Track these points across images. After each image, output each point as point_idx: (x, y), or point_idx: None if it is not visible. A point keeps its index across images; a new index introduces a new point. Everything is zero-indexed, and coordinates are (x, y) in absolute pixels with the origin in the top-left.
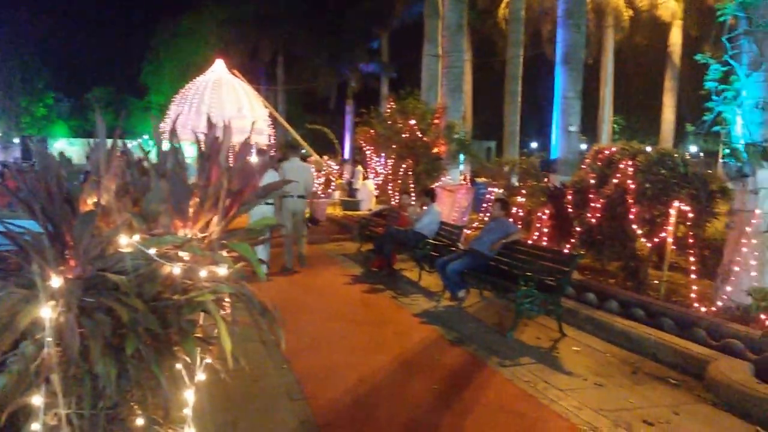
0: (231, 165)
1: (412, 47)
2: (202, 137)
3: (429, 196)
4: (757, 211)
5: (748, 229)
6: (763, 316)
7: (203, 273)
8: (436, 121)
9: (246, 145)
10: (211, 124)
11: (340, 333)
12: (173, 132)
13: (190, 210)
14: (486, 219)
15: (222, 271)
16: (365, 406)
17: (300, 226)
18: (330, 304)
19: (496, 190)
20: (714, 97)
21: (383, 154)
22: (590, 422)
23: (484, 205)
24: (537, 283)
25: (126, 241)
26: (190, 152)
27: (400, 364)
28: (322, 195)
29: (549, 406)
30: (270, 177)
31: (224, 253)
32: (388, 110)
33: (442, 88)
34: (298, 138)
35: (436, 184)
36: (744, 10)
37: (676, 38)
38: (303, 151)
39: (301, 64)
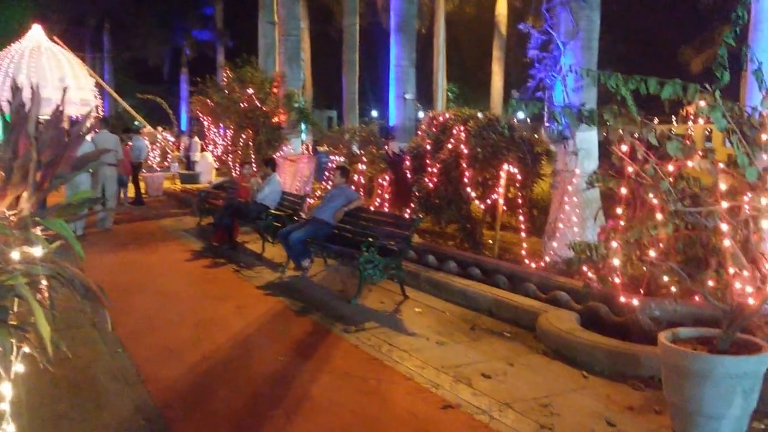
0: (39, 135)
1: (248, 14)
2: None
3: (270, 166)
4: (577, 171)
5: (570, 188)
6: (585, 268)
7: (15, 254)
8: (274, 90)
9: (58, 115)
10: (16, 90)
11: (180, 311)
12: None
13: None
14: (329, 188)
15: (37, 251)
16: (208, 384)
17: (111, 191)
18: (169, 282)
19: (337, 158)
20: (536, 65)
21: (222, 125)
22: (432, 380)
23: (326, 173)
24: (379, 248)
25: None
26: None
27: (244, 338)
28: (158, 168)
29: (393, 368)
30: (87, 147)
31: (38, 231)
32: (225, 79)
33: (280, 56)
34: (129, 109)
35: (278, 154)
36: None
37: (502, 9)
38: (136, 123)
39: (130, 30)
